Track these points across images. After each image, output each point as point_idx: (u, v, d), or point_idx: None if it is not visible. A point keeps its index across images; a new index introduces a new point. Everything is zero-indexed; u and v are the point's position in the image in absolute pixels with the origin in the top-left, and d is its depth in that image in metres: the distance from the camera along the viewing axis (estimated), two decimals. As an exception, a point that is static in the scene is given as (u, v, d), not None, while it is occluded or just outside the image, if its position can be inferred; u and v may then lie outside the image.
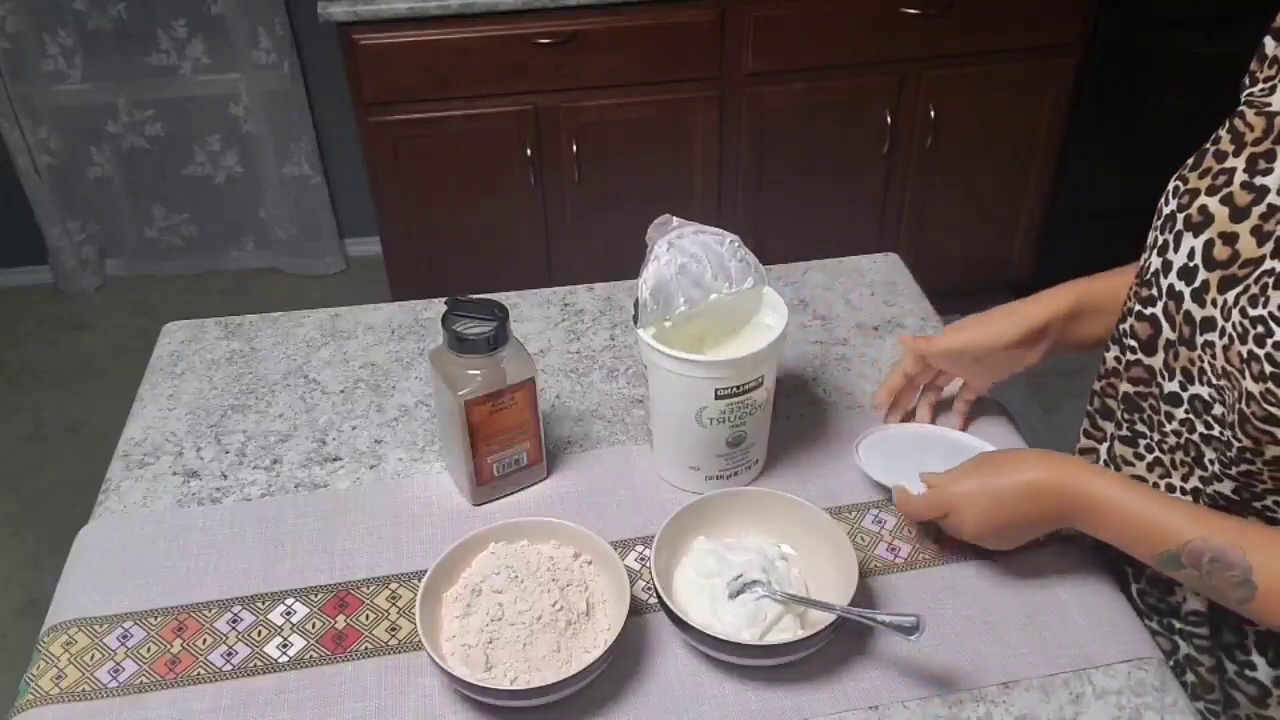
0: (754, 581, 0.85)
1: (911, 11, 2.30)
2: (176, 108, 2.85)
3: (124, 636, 0.88)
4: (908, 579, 0.92)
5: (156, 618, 0.89)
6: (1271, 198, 0.79)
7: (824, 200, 2.52)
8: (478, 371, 0.92)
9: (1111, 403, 0.96)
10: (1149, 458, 0.92)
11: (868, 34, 2.33)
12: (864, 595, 0.89)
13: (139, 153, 2.90)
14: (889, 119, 2.44)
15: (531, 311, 1.26)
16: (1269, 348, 0.74)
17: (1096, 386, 0.98)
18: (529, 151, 2.36)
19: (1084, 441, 1.02)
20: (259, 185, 2.99)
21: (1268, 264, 0.77)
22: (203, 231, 3.08)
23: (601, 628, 0.84)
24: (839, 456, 1.04)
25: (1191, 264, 0.83)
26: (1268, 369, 0.74)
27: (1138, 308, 0.90)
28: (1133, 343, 0.91)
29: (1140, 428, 0.93)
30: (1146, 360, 0.90)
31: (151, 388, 1.16)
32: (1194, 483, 0.86)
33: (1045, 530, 0.90)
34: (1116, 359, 0.94)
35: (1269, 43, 0.85)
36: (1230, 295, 0.80)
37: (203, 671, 0.85)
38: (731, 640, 0.80)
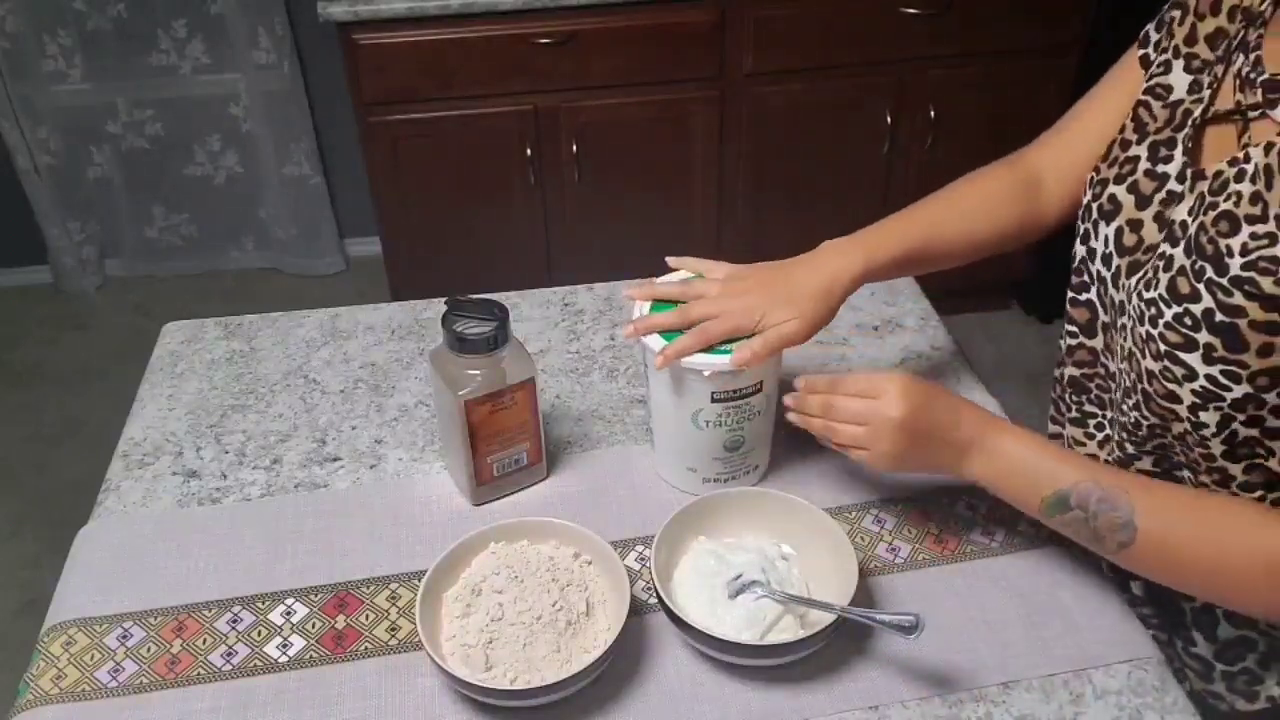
0: (754, 581, 0.85)
1: (911, 11, 2.30)
2: (176, 108, 2.85)
3: (124, 636, 0.88)
4: (908, 579, 0.92)
5: (156, 618, 0.89)
6: (1171, 184, 0.83)
7: (824, 200, 2.52)
8: (478, 371, 0.92)
9: (1062, 385, 1.00)
10: (1099, 436, 0.95)
11: (868, 34, 2.34)
12: (864, 595, 0.89)
13: (139, 153, 2.90)
14: (889, 119, 2.44)
15: (531, 311, 1.26)
16: (1160, 328, 0.78)
17: (1056, 373, 1.01)
18: (529, 151, 2.36)
19: (1051, 427, 1.04)
20: (259, 185, 2.99)
21: (1162, 248, 0.80)
22: (203, 231, 3.08)
23: (601, 628, 0.84)
24: (838, 457, 1.04)
25: (1107, 250, 0.87)
26: (1161, 348, 0.78)
27: (1071, 294, 0.93)
28: (1073, 328, 0.95)
29: (1090, 408, 0.96)
30: (1089, 343, 0.93)
31: (151, 388, 1.16)
32: (1146, 464, 0.89)
33: (937, 464, 0.85)
34: (1062, 342, 0.98)
35: (1175, 16, 0.88)
36: (1134, 280, 0.83)
37: (203, 671, 0.85)
38: (731, 640, 0.80)
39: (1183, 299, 0.76)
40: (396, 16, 2.16)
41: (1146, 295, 0.80)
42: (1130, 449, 0.89)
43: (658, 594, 0.83)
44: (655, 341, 0.91)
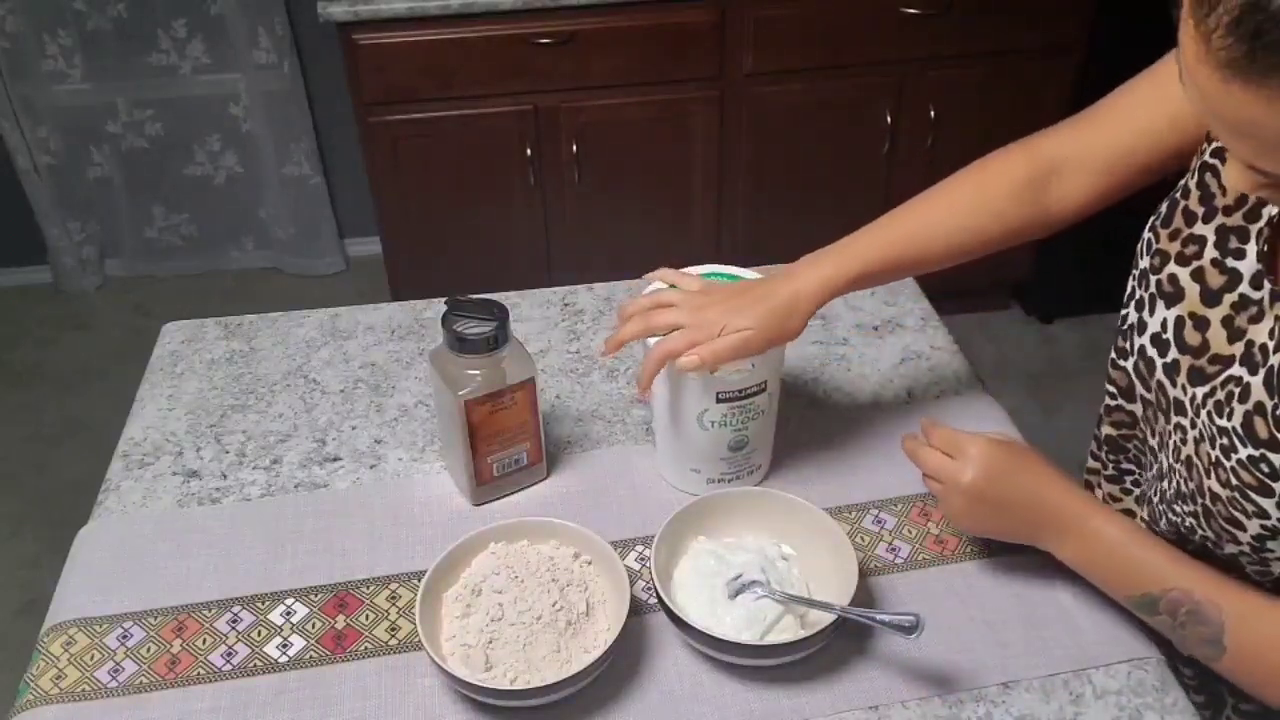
0: (754, 581, 0.85)
1: (911, 11, 2.30)
2: (176, 108, 2.85)
3: (124, 636, 0.88)
4: (908, 579, 0.92)
5: (156, 618, 0.89)
6: (1243, 288, 0.75)
7: (824, 200, 2.52)
8: (478, 371, 0.92)
9: (1109, 430, 0.96)
10: (1135, 492, 0.92)
11: (868, 34, 2.34)
12: (864, 595, 0.89)
13: (139, 153, 2.90)
14: (889, 119, 2.44)
15: (531, 311, 1.26)
16: (1233, 462, 0.73)
17: (1095, 431, 0.98)
18: (529, 151, 2.36)
19: (1090, 463, 1.01)
20: (259, 185, 2.99)
21: (1235, 369, 0.74)
22: (203, 231, 3.08)
23: (601, 628, 0.84)
24: (839, 457, 1.04)
25: (1164, 336, 0.81)
26: (1233, 480, 0.73)
27: (1114, 357, 0.89)
28: (1112, 388, 0.91)
29: (1126, 465, 0.93)
30: (1128, 406, 0.90)
31: (151, 388, 1.16)
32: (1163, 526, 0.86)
33: (1014, 535, 0.87)
34: (1107, 393, 0.93)
35: None
36: (1199, 391, 0.78)
37: (203, 671, 0.85)
38: (731, 640, 0.80)
39: (1260, 443, 0.70)
40: (396, 16, 2.16)
41: (1219, 422, 0.74)
42: (1173, 539, 0.84)
43: (658, 594, 0.83)
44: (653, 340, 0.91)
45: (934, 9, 2.30)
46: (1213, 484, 0.75)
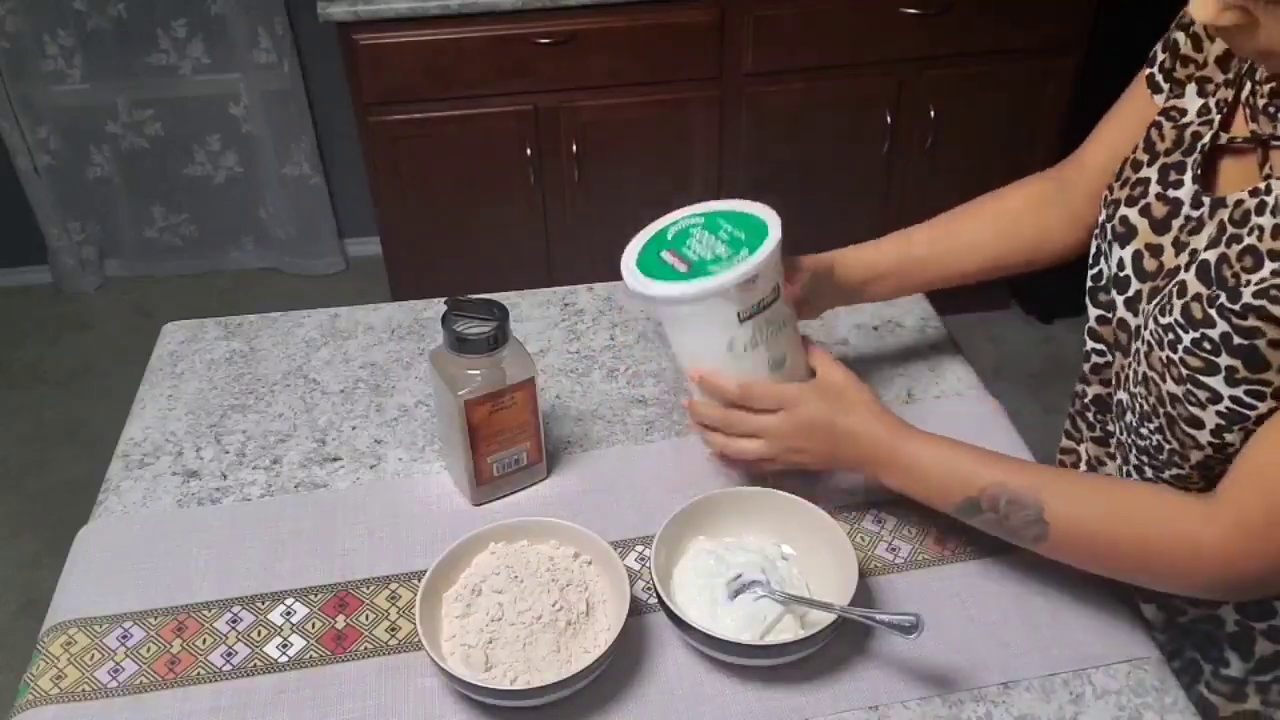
0: (754, 581, 0.85)
1: (911, 11, 2.30)
2: (176, 108, 2.85)
3: (124, 636, 0.88)
4: (908, 579, 0.92)
5: (156, 618, 0.89)
6: (1187, 209, 0.82)
7: (824, 200, 2.52)
8: (478, 371, 0.92)
9: (1085, 401, 0.99)
10: (1120, 456, 0.93)
11: (868, 34, 2.34)
12: (864, 595, 0.89)
13: (139, 153, 2.90)
14: (889, 119, 2.44)
15: (531, 311, 1.26)
16: (1180, 354, 0.77)
17: (1077, 388, 1.01)
18: (529, 151, 2.36)
19: (1065, 442, 1.05)
20: (259, 185, 2.99)
21: (1180, 275, 0.80)
22: (203, 231, 3.08)
23: (601, 628, 0.84)
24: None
25: (1123, 274, 0.87)
26: (1183, 372, 0.77)
27: (1100, 313, 0.92)
28: (1100, 345, 0.94)
29: (1111, 427, 0.95)
30: (1108, 361, 0.93)
31: (151, 388, 1.16)
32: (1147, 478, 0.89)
33: (837, 468, 0.96)
34: (1084, 357, 0.97)
35: (1179, 38, 0.87)
36: (1151, 306, 0.83)
37: (203, 671, 0.85)
38: (731, 640, 0.80)
39: (1198, 324, 0.76)
40: (397, 16, 2.16)
41: (1163, 320, 0.79)
42: (1149, 473, 0.88)
43: (658, 594, 0.83)
44: (638, 280, 0.90)
45: (934, 9, 2.30)
46: (1168, 386, 0.80)
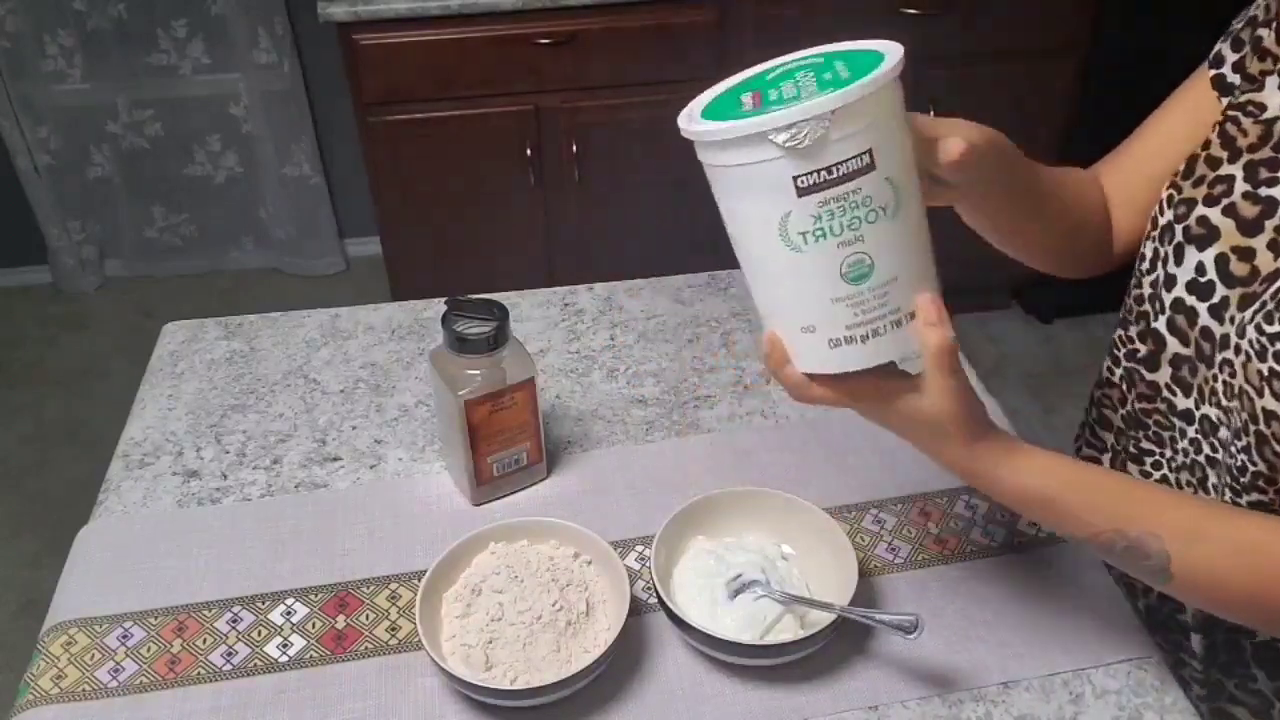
0: (754, 581, 0.85)
1: (911, 12, 2.30)
2: (176, 108, 2.85)
3: (124, 636, 0.88)
4: (908, 579, 0.92)
5: (156, 618, 0.89)
6: None
7: (824, 200, 2.52)
8: (478, 371, 0.92)
9: (1109, 414, 0.94)
10: (1155, 475, 0.89)
11: (868, 34, 2.31)
12: (864, 595, 0.89)
13: (139, 153, 2.90)
14: (889, 119, 2.44)
15: (531, 311, 1.26)
16: None
17: (1095, 395, 0.96)
18: (529, 151, 2.36)
19: (1085, 451, 0.99)
20: (259, 185, 2.99)
21: None
22: (203, 231, 3.08)
23: (601, 628, 0.84)
24: (838, 457, 1.04)
25: (1204, 279, 0.79)
26: None
27: (1138, 322, 0.87)
28: (1131, 356, 0.88)
29: (1146, 445, 0.90)
30: (1149, 376, 0.86)
31: (151, 388, 1.16)
32: None
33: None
34: (1109, 370, 0.92)
35: (1264, 34, 0.81)
36: (1248, 312, 0.76)
37: (203, 671, 0.85)
38: (731, 640, 0.80)
39: None
40: (397, 16, 2.16)
41: (1269, 329, 0.73)
42: (1228, 496, 0.81)
43: (658, 594, 0.83)
44: (685, 117, 0.67)
45: (934, 9, 2.30)
46: (1266, 402, 0.73)
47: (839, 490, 1.00)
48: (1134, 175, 0.90)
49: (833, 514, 0.92)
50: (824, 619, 0.82)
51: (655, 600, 0.88)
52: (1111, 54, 2.45)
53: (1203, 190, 0.81)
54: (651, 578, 0.85)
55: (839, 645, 0.85)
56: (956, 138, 0.70)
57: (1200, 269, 0.79)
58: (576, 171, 2.41)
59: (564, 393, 1.14)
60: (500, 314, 0.92)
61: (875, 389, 0.71)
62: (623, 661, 0.84)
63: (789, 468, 1.03)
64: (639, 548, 0.95)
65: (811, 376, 0.70)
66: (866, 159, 0.61)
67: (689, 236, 2.54)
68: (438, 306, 1.25)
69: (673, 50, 2.30)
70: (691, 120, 0.66)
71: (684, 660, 0.85)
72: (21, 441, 2.59)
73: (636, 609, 0.89)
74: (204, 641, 0.87)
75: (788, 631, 0.83)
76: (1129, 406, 0.91)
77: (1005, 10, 2.34)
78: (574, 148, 2.37)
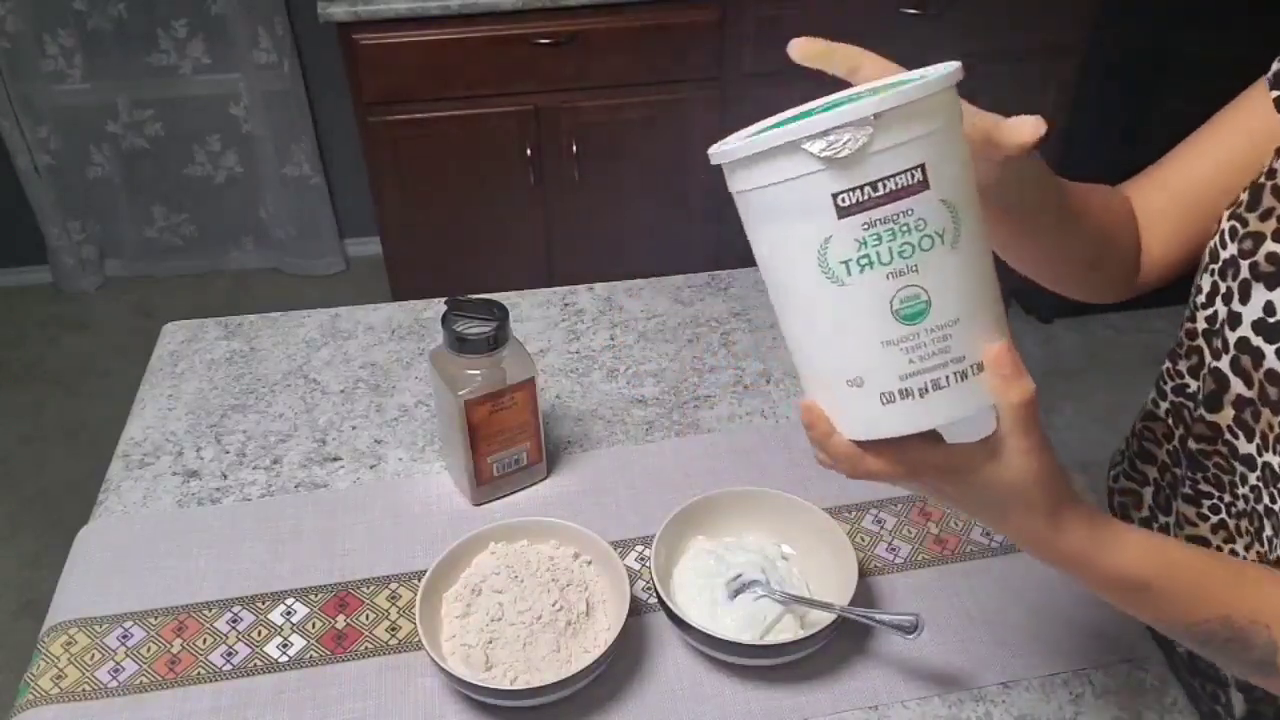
0: (754, 581, 0.85)
1: (911, 12, 2.30)
2: (176, 108, 2.85)
3: (124, 636, 0.88)
4: (908, 579, 0.92)
5: (156, 618, 0.89)
6: None
7: (824, 200, 2.52)
8: (478, 371, 0.92)
9: (1153, 448, 0.88)
10: (1213, 519, 0.82)
11: (868, 34, 2.31)
12: (864, 595, 0.89)
13: (139, 153, 2.90)
14: (889, 119, 2.44)
15: (531, 311, 1.26)
16: None
17: (1136, 427, 0.91)
18: (529, 151, 2.36)
19: (1123, 483, 0.94)
20: (259, 185, 2.99)
21: None
22: (203, 231, 3.08)
23: (601, 628, 0.84)
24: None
25: (1273, 319, 0.73)
26: None
27: (1189, 357, 0.81)
28: (1180, 391, 0.83)
29: (1205, 487, 0.83)
30: (1210, 416, 0.80)
31: (151, 388, 1.16)
32: (1253, 556, 0.78)
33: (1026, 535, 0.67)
34: (1154, 403, 0.87)
35: None
36: None
37: (203, 671, 0.85)
38: (731, 640, 0.80)
39: None
40: (397, 16, 2.15)
41: None
42: (1259, 547, 0.77)
43: (658, 594, 0.83)
44: (718, 146, 0.59)
45: (934, 9, 2.30)
46: None
47: (839, 490, 1.00)
48: (1176, 201, 0.82)
49: (833, 514, 0.92)
50: (824, 619, 0.82)
51: (655, 600, 0.88)
52: (1111, 54, 2.45)
53: (1271, 224, 0.74)
54: (651, 578, 0.85)
55: (839, 645, 0.85)
56: (1025, 116, 0.61)
57: (1270, 309, 0.73)
58: (576, 171, 2.41)
59: (564, 393, 1.14)
60: (500, 314, 0.92)
61: (945, 458, 0.59)
62: (623, 661, 0.85)
63: (789, 468, 1.03)
64: (639, 548, 0.95)
65: (863, 446, 0.59)
66: (919, 175, 0.52)
67: (688, 236, 2.55)
68: (438, 306, 1.25)
69: (673, 50, 2.29)
70: (720, 146, 0.59)
71: (684, 660, 0.85)
72: (21, 441, 2.59)
73: (636, 609, 0.89)
74: (204, 641, 0.87)
75: (788, 631, 0.83)
76: (1175, 442, 0.85)
77: (1005, 10, 2.34)
78: (574, 148, 2.37)
